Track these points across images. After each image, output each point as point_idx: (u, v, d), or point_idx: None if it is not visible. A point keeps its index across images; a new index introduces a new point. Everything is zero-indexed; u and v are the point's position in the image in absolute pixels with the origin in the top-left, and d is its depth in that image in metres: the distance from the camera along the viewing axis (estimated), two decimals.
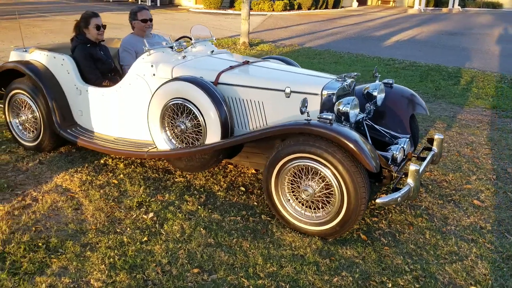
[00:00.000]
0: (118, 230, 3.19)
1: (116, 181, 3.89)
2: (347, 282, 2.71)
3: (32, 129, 4.43)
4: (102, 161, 4.29)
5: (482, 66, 9.90)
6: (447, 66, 9.60)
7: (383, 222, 3.40)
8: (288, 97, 3.49)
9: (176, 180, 3.96)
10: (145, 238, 3.10)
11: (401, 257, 2.97)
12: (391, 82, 4.02)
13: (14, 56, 4.60)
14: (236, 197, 3.71)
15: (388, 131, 3.74)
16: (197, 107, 3.46)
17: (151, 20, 4.63)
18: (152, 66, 3.81)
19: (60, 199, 3.57)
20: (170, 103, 3.56)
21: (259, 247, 3.04)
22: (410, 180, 3.11)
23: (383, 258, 2.96)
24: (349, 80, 3.62)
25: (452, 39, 14.80)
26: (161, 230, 3.20)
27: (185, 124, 3.55)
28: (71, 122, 4.29)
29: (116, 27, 14.61)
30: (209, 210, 3.48)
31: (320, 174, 3.06)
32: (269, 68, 3.88)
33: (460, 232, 3.28)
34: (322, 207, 3.13)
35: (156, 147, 3.77)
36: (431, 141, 3.94)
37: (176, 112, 3.57)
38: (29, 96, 4.28)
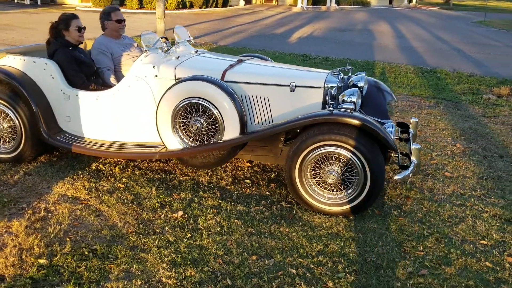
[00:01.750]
0: (157, 231, 3.21)
1: (122, 185, 3.84)
2: (387, 250, 3.09)
3: (8, 139, 4.14)
4: (93, 167, 4.17)
5: (385, 58, 11.02)
6: (357, 60, 10.52)
7: (385, 197, 3.84)
8: (293, 91, 3.76)
9: (181, 179, 4.02)
10: (189, 235, 3.17)
11: (416, 224, 3.43)
12: (363, 74, 4.48)
13: None
14: (247, 189, 3.90)
15: (373, 117, 4.19)
16: (213, 105, 3.58)
17: (124, 20, 4.59)
18: (154, 67, 3.82)
19: (76, 208, 3.46)
20: (184, 103, 3.63)
21: (297, 230, 3.29)
22: (413, 158, 3.59)
23: (403, 227, 3.39)
24: (341, 74, 4.01)
25: (344, 35, 16.08)
26: (199, 226, 3.30)
27: (200, 122, 3.64)
28: (57, 129, 4.10)
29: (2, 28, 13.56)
30: (232, 203, 3.63)
31: (342, 159, 3.40)
32: (266, 65, 4.11)
33: (448, 199, 3.84)
34: (344, 189, 3.47)
35: (165, 147, 3.80)
36: (400, 124, 4.50)
37: (190, 111, 3.65)
38: (7, 105, 4.00)
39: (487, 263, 2.99)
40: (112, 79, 4.31)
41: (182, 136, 3.74)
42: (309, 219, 3.46)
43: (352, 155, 3.35)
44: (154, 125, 3.87)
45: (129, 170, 4.14)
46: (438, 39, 15.58)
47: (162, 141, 3.79)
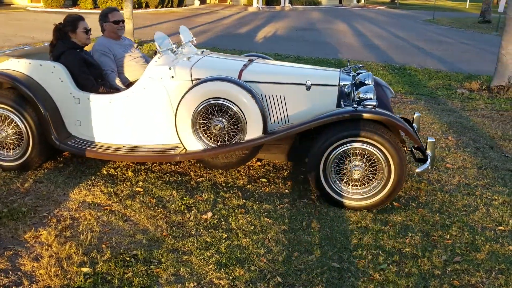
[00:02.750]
0: (192, 233, 3.19)
1: (140, 189, 3.78)
2: (417, 240, 3.22)
3: (12, 146, 3.97)
4: (105, 172, 4.07)
5: (353, 56, 11.30)
6: (328, 58, 10.75)
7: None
8: (308, 89, 3.84)
9: (198, 180, 4.00)
10: (225, 235, 3.18)
11: (436, 214, 3.59)
12: (364, 71, 4.62)
13: None
14: (266, 188, 3.93)
15: None
16: (236, 105, 3.59)
17: (123, 21, 4.51)
18: (170, 68, 3.78)
19: (101, 214, 3.38)
20: (205, 104, 3.61)
21: (328, 226, 3.36)
22: (429, 151, 3.74)
23: (425, 218, 3.53)
24: (352, 72, 4.12)
25: (308, 34, 16.34)
26: (231, 226, 3.30)
27: (222, 122, 3.64)
28: (66, 134, 3.97)
29: None
30: (256, 202, 3.66)
31: (366, 154, 3.49)
32: (279, 64, 4.16)
33: (457, 190, 4.03)
34: (367, 183, 3.57)
35: (184, 148, 3.77)
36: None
37: (211, 112, 3.64)
38: (12, 110, 3.84)
39: (511, 248, 3.17)
40: (118, 82, 4.23)
41: (203, 137, 3.72)
42: (336, 214, 3.54)
43: (377, 150, 3.46)
44: (170, 127, 3.84)
45: (143, 173, 4.07)
46: (396, 37, 16.13)
47: (182, 143, 3.76)
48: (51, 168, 4.11)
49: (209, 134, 3.71)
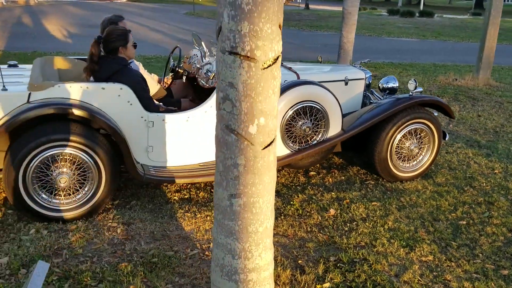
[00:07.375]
0: (345, 229, 3.37)
1: None
2: (476, 192, 4.11)
3: (72, 189, 3.23)
4: (176, 198, 3.69)
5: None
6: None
7: None
8: (346, 84, 4.33)
9: None
10: (369, 224, 3.46)
11: (457, 171, 4.55)
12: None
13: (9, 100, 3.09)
14: (327, 178, 4.24)
15: None
16: (321, 105, 3.81)
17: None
18: None
19: None
20: (294, 109, 3.71)
21: (414, 197, 3.96)
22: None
23: (454, 175, 4.46)
24: (361, 66, 4.73)
25: None
26: (359, 215, 3.58)
27: (308, 124, 3.80)
28: (136, 164, 3.44)
29: None
30: (343, 192, 3.97)
31: (417, 132, 4.20)
32: (310, 65, 4.44)
33: (460, 150, 5.10)
34: (414, 157, 4.29)
35: None
36: None
37: (298, 115, 3.76)
38: (81, 147, 3.13)
39: None
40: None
41: (288, 141, 3.81)
42: (404, 188, 4.16)
43: (426, 127, 4.20)
44: None
45: (208, 189, 3.86)
46: (200, 34, 16.80)
47: None
48: (114, 207, 3.49)
49: (292, 137, 3.82)
